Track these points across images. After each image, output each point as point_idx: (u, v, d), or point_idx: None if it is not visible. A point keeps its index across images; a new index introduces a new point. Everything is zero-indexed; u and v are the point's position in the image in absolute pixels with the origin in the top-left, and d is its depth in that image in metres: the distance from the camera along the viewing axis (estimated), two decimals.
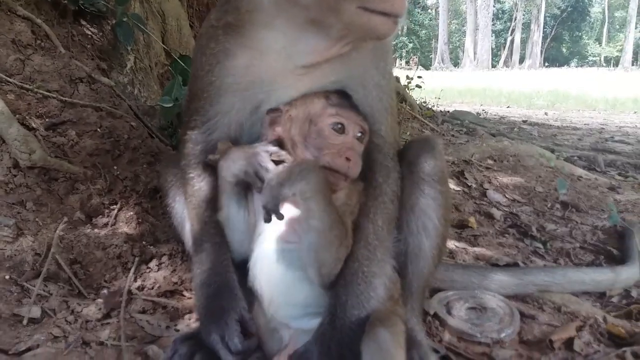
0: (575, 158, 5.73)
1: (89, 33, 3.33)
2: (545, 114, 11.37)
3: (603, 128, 10.04)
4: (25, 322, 1.84)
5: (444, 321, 2.15)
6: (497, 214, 3.62)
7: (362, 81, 1.82)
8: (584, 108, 15.94)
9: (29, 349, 1.72)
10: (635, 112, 14.79)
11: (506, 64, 54.01)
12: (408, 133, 5.50)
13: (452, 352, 1.96)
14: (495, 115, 11.73)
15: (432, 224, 1.85)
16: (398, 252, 1.82)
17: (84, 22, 3.33)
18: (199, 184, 1.85)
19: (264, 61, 1.73)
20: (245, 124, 1.84)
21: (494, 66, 52.23)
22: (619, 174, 5.29)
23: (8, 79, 2.72)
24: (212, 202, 1.80)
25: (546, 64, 54.95)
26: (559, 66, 53.60)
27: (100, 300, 2.04)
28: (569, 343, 2.03)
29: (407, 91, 7.27)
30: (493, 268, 2.48)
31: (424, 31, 63.97)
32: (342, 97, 1.79)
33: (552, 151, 5.90)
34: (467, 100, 17.77)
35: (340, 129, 1.72)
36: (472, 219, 3.39)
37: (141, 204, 2.60)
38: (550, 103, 16.76)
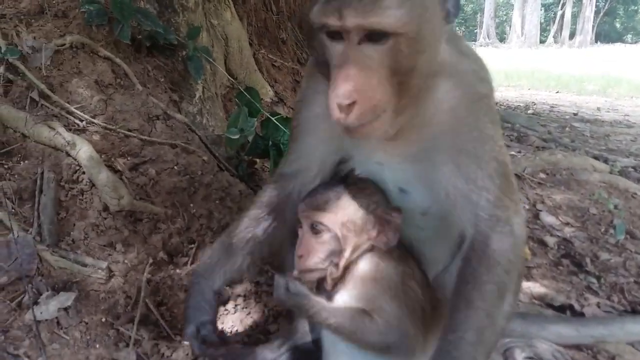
0: (631, 169, 5.63)
1: (161, 64, 3.51)
2: (598, 109, 11.02)
3: None
4: None
5: None
6: (550, 241, 3.68)
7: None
8: (637, 94, 15.38)
9: None
10: None
11: (555, 39, 52.05)
12: None
13: None
14: (544, 104, 11.49)
15: None
16: None
17: (156, 54, 3.51)
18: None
19: None
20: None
21: (542, 42, 50.45)
22: None
23: (93, 120, 2.95)
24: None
25: (598, 41, 52.68)
26: (611, 42, 51.30)
27: (186, 343, 2.25)
28: None
29: None
30: (551, 319, 2.58)
31: (470, 5, 62.23)
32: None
33: (606, 161, 5.83)
34: (513, 83, 17.44)
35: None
36: (526, 250, 3.46)
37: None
38: (602, 88, 16.22)
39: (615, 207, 4.30)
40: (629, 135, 8.10)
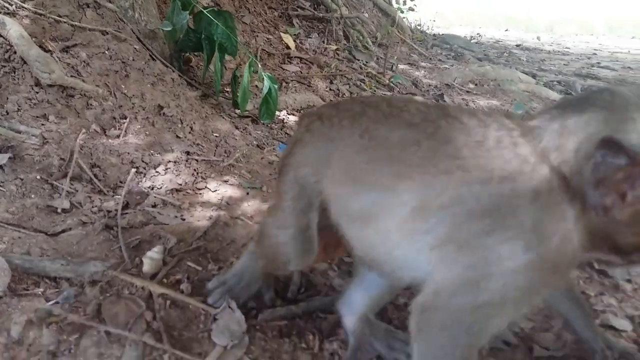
0: (555, 83, 6.02)
1: None
2: (538, 38, 11.41)
3: (595, 54, 10.21)
4: (59, 210, 2.27)
5: None
6: None
7: None
8: (583, 32, 15.93)
9: (63, 231, 2.17)
10: (633, 37, 14.82)
11: None
12: (395, 57, 5.77)
13: None
14: (490, 39, 11.81)
15: None
16: None
17: None
18: None
19: None
20: None
21: None
22: None
23: (23, 4, 3.02)
24: None
25: None
26: None
27: (118, 197, 2.46)
28: None
29: (400, 14, 7.43)
30: None
31: None
32: None
33: (534, 76, 6.19)
34: (465, 22, 17.68)
35: None
36: None
37: (148, 119, 2.98)
38: (549, 26, 16.69)
39: (533, 109, 4.66)
40: (562, 60, 8.53)
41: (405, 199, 1.24)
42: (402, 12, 7.61)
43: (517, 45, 10.41)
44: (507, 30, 15.99)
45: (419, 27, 10.27)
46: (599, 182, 1.03)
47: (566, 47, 11.25)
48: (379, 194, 1.30)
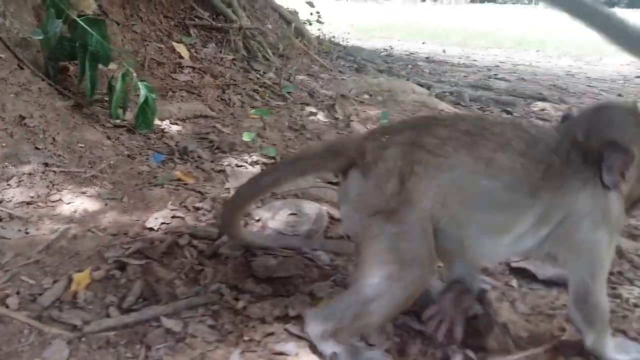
0: (447, 94, 6.33)
1: None
2: (444, 51, 11.96)
3: (498, 66, 10.76)
4: None
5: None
6: None
7: None
8: (493, 46, 16.79)
9: None
10: (537, 51, 15.77)
11: None
12: (295, 68, 5.88)
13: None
14: (405, 51, 12.23)
15: None
16: None
17: None
18: None
19: None
20: None
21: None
22: (479, 108, 5.95)
23: None
24: None
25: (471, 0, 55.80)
26: (484, 2, 54.59)
27: None
28: None
29: (308, 25, 7.57)
30: None
31: None
32: None
33: (429, 87, 6.49)
34: (385, 35, 18.24)
35: None
36: None
37: (6, 130, 2.89)
38: (463, 40, 17.48)
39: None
40: (464, 73, 8.97)
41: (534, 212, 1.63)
42: (310, 24, 7.75)
43: (426, 58, 10.84)
44: (424, 43, 16.60)
45: (333, 40, 10.50)
46: (609, 169, 1.59)
47: (474, 60, 11.80)
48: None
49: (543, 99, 6.68)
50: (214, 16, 5.88)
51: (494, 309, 2.06)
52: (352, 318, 1.61)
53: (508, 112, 5.78)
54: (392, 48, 11.74)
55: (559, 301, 2.18)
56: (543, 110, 6.08)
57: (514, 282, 2.31)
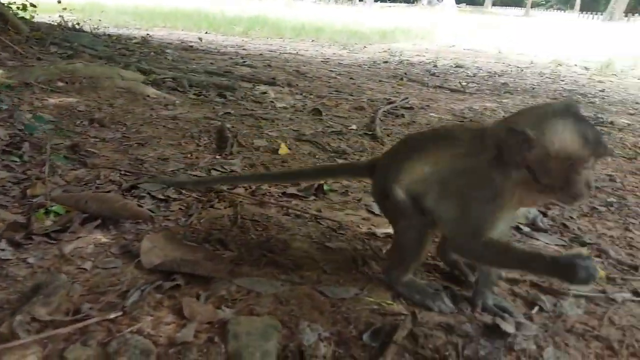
0: (168, 79, 6.08)
1: None
2: (200, 39, 11.80)
3: (262, 54, 10.81)
4: None
5: None
6: None
7: None
8: (275, 36, 17.17)
9: None
10: (312, 40, 16.49)
11: None
12: None
13: None
14: (162, 40, 11.65)
15: None
16: None
17: None
18: None
19: None
20: None
21: None
22: (196, 92, 5.80)
23: None
24: None
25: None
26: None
27: None
28: None
29: (15, 11, 6.75)
30: None
31: None
32: None
33: (146, 73, 6.18)
34: (169, 25, 17.57)
35: None
36: None
37: None
38: (245, 29, 17.60)
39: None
40: (213, 60, 8.84)
41: None
42: (25, 9, 6.94)
43: (190, 46, 10.53)
44: (206, 32, 16.30)
45: (78, 26, 9.67)
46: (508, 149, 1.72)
47: (244, 49, 11.77)
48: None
49: (273, 84, 6.78)
50: None
51: None
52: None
53: (223, 96, 5.71)
54: (151, 36, 11.20)
55: None
56: (264, 93, 6.16)
57: None
